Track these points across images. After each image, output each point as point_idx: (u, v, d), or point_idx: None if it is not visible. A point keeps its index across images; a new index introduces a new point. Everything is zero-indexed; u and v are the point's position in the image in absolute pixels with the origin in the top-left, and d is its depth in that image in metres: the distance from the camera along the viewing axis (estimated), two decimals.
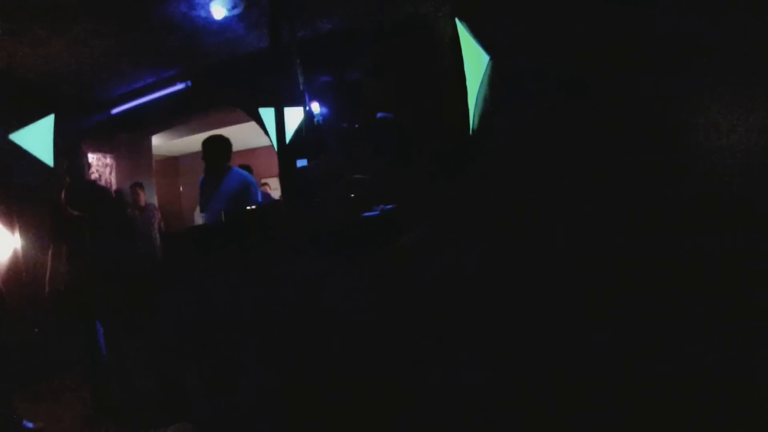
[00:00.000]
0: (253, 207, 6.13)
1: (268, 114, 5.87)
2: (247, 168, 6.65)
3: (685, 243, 1.61)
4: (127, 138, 7.73)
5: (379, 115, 3.60)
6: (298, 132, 5.57)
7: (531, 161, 2.64)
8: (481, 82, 4.06)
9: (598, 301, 2.10)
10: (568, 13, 2.29)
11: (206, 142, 4.61)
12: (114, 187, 7.55)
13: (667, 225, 1.69)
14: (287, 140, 5.72)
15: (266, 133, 6.06)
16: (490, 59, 3.92)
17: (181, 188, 11.22)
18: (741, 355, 1.48)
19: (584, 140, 2.18)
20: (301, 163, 5.53)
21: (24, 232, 5.59)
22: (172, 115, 7.28)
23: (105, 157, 7.53)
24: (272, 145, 5.13)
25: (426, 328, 2.68)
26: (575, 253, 2.23)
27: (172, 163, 11.55)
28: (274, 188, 8.82)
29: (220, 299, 3.35)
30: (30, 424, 3.88)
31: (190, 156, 10.63)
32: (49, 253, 4.12)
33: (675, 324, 1.70)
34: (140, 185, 7.26)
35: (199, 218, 6.19)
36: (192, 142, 9.26)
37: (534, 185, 2.58)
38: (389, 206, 3.97)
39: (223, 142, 4.65)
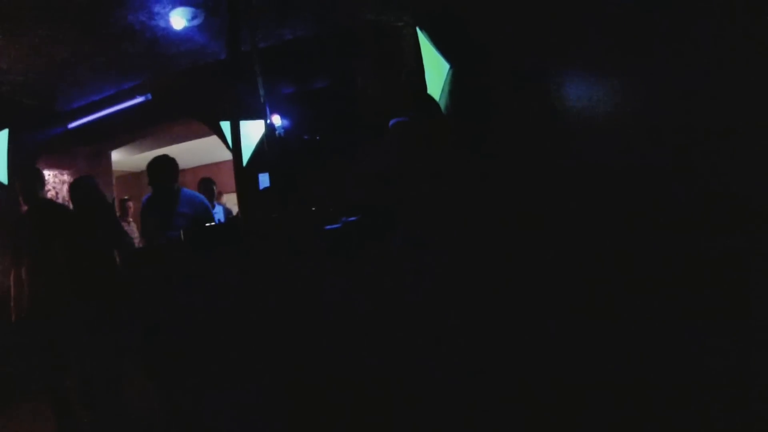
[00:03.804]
0: (213, 224, 6.06)
1: (229, 127, 5.79)
2: (210, 180, 6.57)
3: (685, 243, 1.60)
4: (86, 153, 7.53)
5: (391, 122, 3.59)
6: (261, 145, 5.53)
7: (530, 161, 2.65)
8: (444, 88, 4.08)
9: (598, 301, 2.10)
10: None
11: (152, 164, 4.47)
12: (71, 205, 7.35)
13: (667, 225, 1.69)
14: (250, 153, 5.69)
15: (228, 147, 5.98)
16: (451, 67, 3.95)
17: None
18: (741, 355, 1.48)
19: (584, 140, 2.18)
20: (263, 178, 5.48)
21: None
22: (132, 129, 7.12)
23: (62, 174, 7.32)
24: None
25: (426, 329, 2.66)
26: (574, 253, 2.24)
27: (134, 179, 11.33)
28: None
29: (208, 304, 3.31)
30: None
31: None
32: (11, 277, 3.96)
33: (675, 324, 1.69)
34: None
35: None
36: (154, 156, 9.10)
37: (533, 185, 2.59)
38: (352, 218, 3.95)
39: (170, 162, 4.51)
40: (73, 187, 4.34)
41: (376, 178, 3.59)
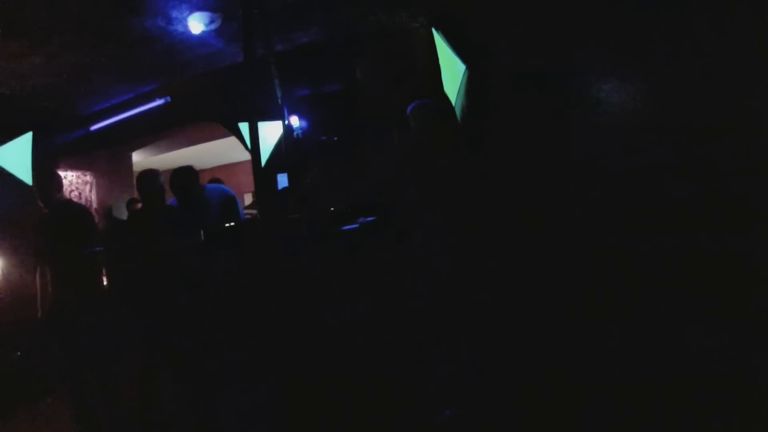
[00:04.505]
0: (233, 224, 6.13)
1: (247, 128, 5.83)
2: (218, 181, 6.64)
3: (685, 243, 1.60)
4: (107, 155, 7.68)
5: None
6: (279, 146, 5.58)
7: (531, 162, 2.65)
8: (460, 89, 4.09)
9: (598, 301, 2.10)
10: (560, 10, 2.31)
11: (174, 179, 4.49)
12: (95, 205, 7.49)
13: (667, 225, 1.69)
14: (269, 154, 5.75)
15: (246, 147, 6.03)
16: (467, 68, 3.95)
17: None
18: (741, 355, 1.47)
19: (584, 140, 2.18)
20: (282, 178, 5.53)
21: (3, 253, 5.52)
22: (152, 131, 7.23)
23: (85, 175, 7.47)
24: None
25: (426, 329, 2.67)
26: (575, 253, 2.24)
27: None
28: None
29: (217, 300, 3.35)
30: None
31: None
32: (37, 274, 4.07)
33: (675, 324, 1.69)
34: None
35: None
36: (174, 158, 9.24)
37: (534, 185, 2.59)
38: (369, 219, 3.97)
39: (189, 172, 4.54)
40: (139, 178, 4.44)
41: (395, 169, 3.61)
